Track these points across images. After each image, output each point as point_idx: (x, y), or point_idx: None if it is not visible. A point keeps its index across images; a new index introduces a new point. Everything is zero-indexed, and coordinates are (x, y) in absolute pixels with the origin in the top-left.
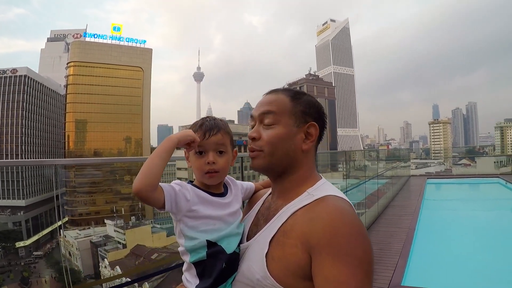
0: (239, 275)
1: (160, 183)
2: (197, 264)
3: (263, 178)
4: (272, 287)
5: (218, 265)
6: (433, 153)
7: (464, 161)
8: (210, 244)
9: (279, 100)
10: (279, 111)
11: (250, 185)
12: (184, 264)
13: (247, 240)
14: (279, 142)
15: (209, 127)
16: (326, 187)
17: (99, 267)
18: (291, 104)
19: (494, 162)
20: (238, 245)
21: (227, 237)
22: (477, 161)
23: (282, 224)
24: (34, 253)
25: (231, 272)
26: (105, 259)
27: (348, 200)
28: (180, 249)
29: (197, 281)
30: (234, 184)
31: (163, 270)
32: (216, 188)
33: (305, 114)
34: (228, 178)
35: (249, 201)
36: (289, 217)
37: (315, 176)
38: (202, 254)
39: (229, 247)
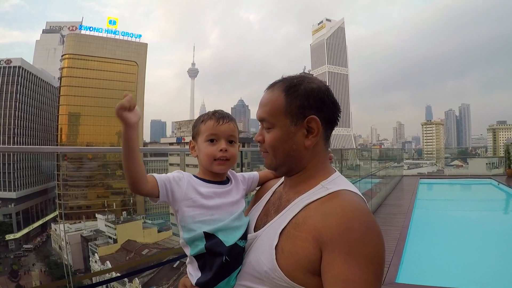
0: (246, 267)
1: (155, 175)
2: (198, 257)
3: None
4: (279, 280)
5: (218, 258)
6: (426, 153)
7: (456, 162)
8: (208, 236)
9: (273, 100)
10: (273, 114)
11: (253, 174)
12: (188, 257)
13: (255, 231)
14: (278, 144)
15: (222, 115)
16: (340, 180)
17: (89, 262)
18: (285, 101)
19: (486, 163)
20: (244, 238)
21: (226, 229)
22: (469, 162)
23: (294, 216)
24: (24, 246)
25: (234, 266)
26: (96, 254)
27: (362, 196)
28: (180, 241)
29: (199, 274)
30: (234, 176)
31: (153, 265)
32: (219, 178)
33: (303, 108)
34: (229, 171)
35: (257, 191)
36: (301, 209)
37: (329, 168)
38: (201, 247)
39: (228, 239)
